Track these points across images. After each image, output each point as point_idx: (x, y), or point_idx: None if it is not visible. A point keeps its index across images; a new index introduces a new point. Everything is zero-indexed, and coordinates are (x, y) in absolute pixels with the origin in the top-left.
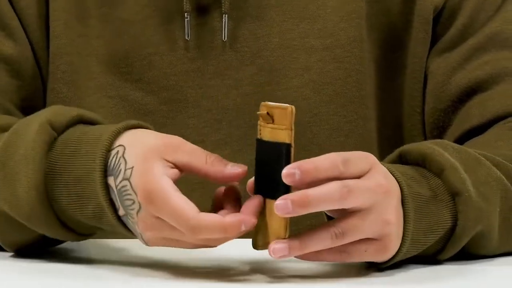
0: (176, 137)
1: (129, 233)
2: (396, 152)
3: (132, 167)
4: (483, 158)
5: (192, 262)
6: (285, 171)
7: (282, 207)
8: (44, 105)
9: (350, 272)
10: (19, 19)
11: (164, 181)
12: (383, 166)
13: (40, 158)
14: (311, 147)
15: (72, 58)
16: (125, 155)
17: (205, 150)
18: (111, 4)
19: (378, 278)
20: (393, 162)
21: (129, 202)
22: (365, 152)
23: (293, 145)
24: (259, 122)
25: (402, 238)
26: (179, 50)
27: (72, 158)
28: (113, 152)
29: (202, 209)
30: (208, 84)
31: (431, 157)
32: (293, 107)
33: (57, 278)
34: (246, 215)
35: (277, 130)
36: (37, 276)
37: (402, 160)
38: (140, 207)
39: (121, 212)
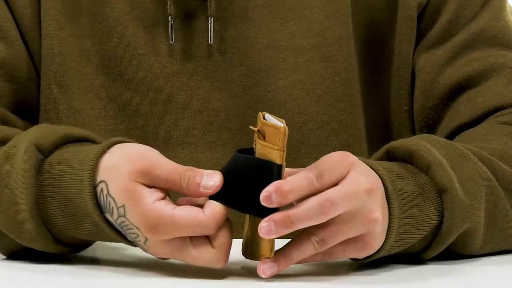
0: (149, 154)
1: (131, 244)
2: (383, 148)
3: (123, 205)
4: (469, 153)
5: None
6: (263, 193)
7: (266, 229)
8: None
9: (339, 271)
10: (15, 19)
11: (159, 207)
12: (363, 164)
13: (30, 183)
14: (301, 148)
15: (63, 58)
16: (110, 193)
17: (178, 166)
18: (101, 2)
19: (362, 277)
20: (381, 158)
21: (134, 236)
22: (342, 153)
23: (284, 166)
24: (254, 134)
25: (386, 234)
26: (165, 53)
27: (60, 180)
28: (98, 189)
29: None
30: (197, 86)
31: (417, 154)
32: (286, 128)
33: (58, 277)
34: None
35: (269, 149)
36: (37, 276)
37: (390, 156)
38: (146, 239)
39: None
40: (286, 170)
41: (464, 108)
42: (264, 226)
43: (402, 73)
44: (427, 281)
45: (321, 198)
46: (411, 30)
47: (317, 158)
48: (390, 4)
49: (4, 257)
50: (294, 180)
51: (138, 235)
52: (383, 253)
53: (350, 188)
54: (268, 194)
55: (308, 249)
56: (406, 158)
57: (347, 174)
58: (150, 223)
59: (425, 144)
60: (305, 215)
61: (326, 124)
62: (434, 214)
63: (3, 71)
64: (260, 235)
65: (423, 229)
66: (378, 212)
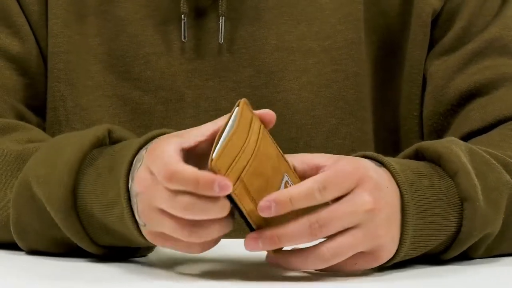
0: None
1: (141, 238)
2: (413, 147)
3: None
4: (494, 162)
5: (191, 263)
6: (261, 203)
7: (252, 246)
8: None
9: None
10: (25, 16)
11: (170, 144)
12: (374, 178)
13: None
14: (308, 150)
15: (69, 56)
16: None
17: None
18: (110, 2)
19: (374, 277)
20: (409, 157)
21: (138, 164)
22: (354, 165)
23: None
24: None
25: (400, 242)
26: (176, 51)
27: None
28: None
29: None
30: (206, 85)
31: (447, 157)
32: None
33: (59, 278)
34: (223, 179)
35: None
36: (37, 276)
37: (419, 156)
38: (142, 162)
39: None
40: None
41: (474, 115)
42: (251, 243)
43: (414, 79)
44: (441, 280)
45: (310, 219)
46: (424, 37)
47: None
48: (404, 10)
49: (7, 255)
50: (295, 190)
51: (141, 161)
52: (398, 259)
53: (348, 208)
54: (268, 204)
55: (318, 259)
56: (434, 160)
57: (353, 189)
58: (155, 147)
59: (455, 149)
60: (293, 235)
61: (334, 127)
62: (453, 221)
63: (17, 65)
64: (245, 248)
65: (439, 236)
66: (381, 230)
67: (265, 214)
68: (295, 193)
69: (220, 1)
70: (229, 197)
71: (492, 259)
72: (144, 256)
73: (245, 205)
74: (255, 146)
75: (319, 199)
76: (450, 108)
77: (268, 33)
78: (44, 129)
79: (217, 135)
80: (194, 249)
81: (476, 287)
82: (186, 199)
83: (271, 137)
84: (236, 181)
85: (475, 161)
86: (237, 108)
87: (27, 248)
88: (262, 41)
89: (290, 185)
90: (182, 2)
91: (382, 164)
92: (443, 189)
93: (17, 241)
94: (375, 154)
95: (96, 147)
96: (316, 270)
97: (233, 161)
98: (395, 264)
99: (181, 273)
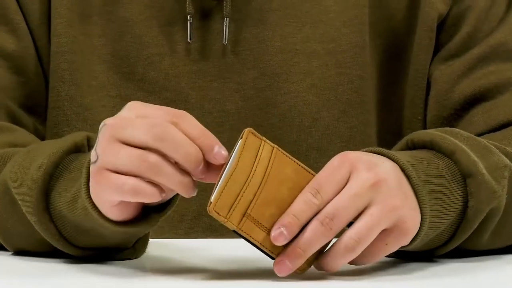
0: None
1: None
2: (403, 140)
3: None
4: (493, 147)
5: (190, 263)
6: (273, 234)
7: (284, 269)
8: (47, 103)
9: (347, 270)
10: (23, 14)
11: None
12: (365, 158)
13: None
14: (311, 152)
15: (73, 56)
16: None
17: None
18: (114, 3)
19: (374, 277)
20: (401, 149)
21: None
22: (341, 156)
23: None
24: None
25: (421, 222)
26: (180, 52)
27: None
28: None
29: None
30: (210, 87)
31: (439, 139)
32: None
33: (56, 278)
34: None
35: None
36: (36, 276)
37: (409, 147)
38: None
39: None
40: None
41: (478, 119)
42: (280, 267)
43: (419, 83)
44: (441, 279)
45: (319, 218)
46: (430, 41)
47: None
48: (410, 14)
49: (5, 256)
50: (294, 206)
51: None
52: (419, 240)
53: (350, 192)
54: (279, 231)
55: (344, 251)
56: (427, 146)
57: (350, 174)
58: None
59: (448, 136)
60: (312, 238)
61: (337, 130)
62: (459, 198)
63: (12, 64)
64: (279, 275)
65: (450, 214)
66: (394, 198)
67: (281, 242)
68: (295, 208)
69: (224, 2)
70: (237, 233)
71: (493, 258)
72: (129, 259)
73: (256, 237)
74: (264, 175)
75: (319, 203)
76: (454, 112)
77: (273, 35)
78: (38, 129)
79: (219, 175)
80: (149, 192)
81: (477, 287)
82: (155, 158)
83: (287, 154)
84: (242, 218)
85: (474, 145)
86: (240, 140)
87: (13, 249)
88: (266, 43)
89: None
90: (187, 3)
91: (380, 154)
92: (443, 168)
93: (2, 242)
94: (372, 148)
95: (73, 152)
96: (355, 264)
97: (235, 199)
98: (395, 264)
99: (181, 273)
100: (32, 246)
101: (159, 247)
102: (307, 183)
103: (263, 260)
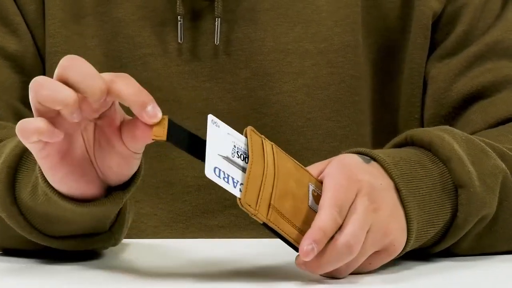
0: None
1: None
2: (403, 135)
3: None
4: (490, 150)
5: (186, 263)
6: (305, 248)
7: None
8: None
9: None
10: (22, 15)
11: None
12: (366, 182)
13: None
14: (304, 152)
15: None
16: None
17: None
18: (107, 3)
19: (375, 277)
20: (399, 145)
21: None
22: (346, 172)
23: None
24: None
25: (408, 237)
26: (173, 53)
27: None
28: None
29: None
30: (202, 87)
31: (439, 144)
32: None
33: (53, 278)
34: None
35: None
36: (34, 276)
37: (408, 143)
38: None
39: None
40: None
41: (476, 117)
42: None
43: (415, 82)
44: (433, 278)
45: (341, 246)
46: (425, 39)
47: None
48: (404, 13)
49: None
50: (322, 223)
51: None
52: (403, 253)
53: (359, 216)
54: (311, 247)
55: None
56: (425, 147)
57: (356, 197)
58: None
59: (447, 137)
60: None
61: (330, 130)
62: (448, 208)
63: (15, 63)
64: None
65: (437, 224)
66: (390, 224)
67: (310, 257)
68: (325, 225)
69: (216, 3)
70: (267, 226)
71: (490, 257)
72: (113, 245)
73: (282, 228)
74: (274, 168)
75: (339, 222)
76: (452, 111)
77: (265, 34)
78: None
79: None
80: (41, 126)
81: (474, 286)
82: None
83: (283, 152)
84: (268, 210)
85: (471, 148)
86: (246, 138)
87: None
88: (259, 43)
89: (317, 193)
90: (178, 3)
91: (373, 159)
92: (436, 175)
93: None
94: (367, 150)
95: None
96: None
97: (260, 191)
98: (395, 264)
99: (176, 273)
100: (11, 243)
101: (154, 247)
102: (306, 179)
103: (259, 261)
